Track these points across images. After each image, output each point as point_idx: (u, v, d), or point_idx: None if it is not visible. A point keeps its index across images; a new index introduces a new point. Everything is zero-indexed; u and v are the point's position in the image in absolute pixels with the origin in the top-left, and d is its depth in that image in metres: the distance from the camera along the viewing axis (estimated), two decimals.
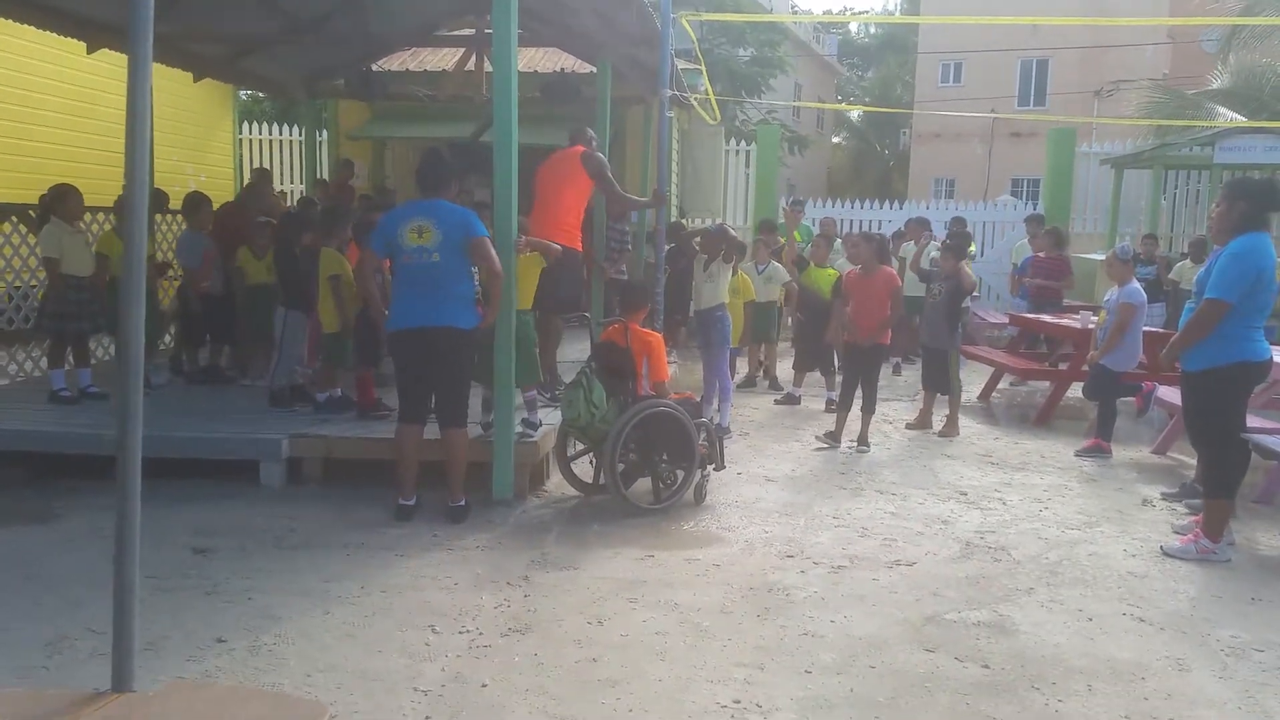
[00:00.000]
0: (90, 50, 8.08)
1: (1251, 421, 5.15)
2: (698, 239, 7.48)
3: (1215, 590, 4.30)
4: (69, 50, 8.49)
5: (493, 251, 4.87)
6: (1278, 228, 7.51)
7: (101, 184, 7.48)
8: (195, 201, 7.30)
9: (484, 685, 3.24)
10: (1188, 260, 10.45)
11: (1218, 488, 4.71)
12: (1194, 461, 5.84)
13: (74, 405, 6.16)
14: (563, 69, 10.66)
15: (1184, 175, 15.13)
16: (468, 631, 3.65)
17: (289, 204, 10.88)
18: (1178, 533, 4.99)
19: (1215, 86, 16.09)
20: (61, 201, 6.24)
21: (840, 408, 7.02)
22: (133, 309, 2.71)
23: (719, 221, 13.44)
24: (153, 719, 2.71)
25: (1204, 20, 15.51)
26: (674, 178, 12.31)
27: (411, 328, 4.85)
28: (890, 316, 6.90)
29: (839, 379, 7.15)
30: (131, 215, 2.73)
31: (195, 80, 9.70)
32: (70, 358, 6.42)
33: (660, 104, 7.47)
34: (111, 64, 8.72)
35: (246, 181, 7.30)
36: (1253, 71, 15.47)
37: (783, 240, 9.52)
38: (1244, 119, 13.82)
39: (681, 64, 9.97)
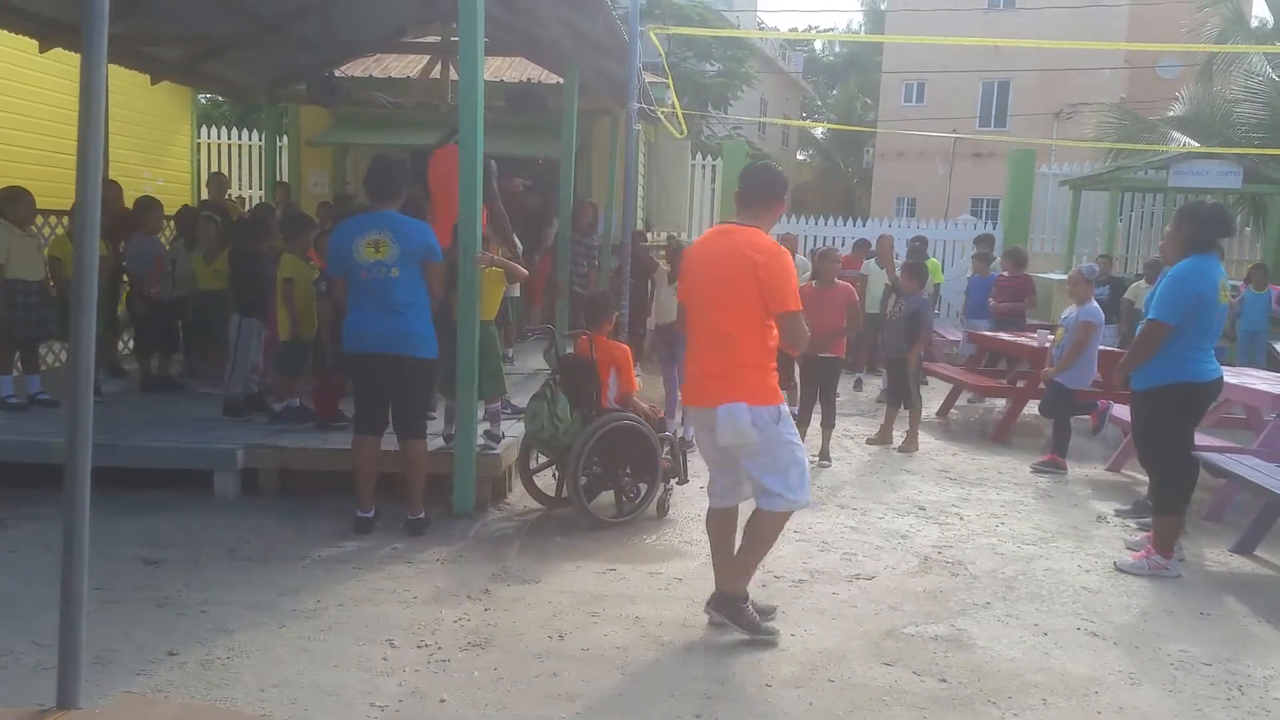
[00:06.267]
0: (43, 49, 7.91)
1: (1201, 440, 5.26)
2: (662, 252, 7.50)
3: (1166, 605, 4.37)
4: (15, 48, 8.31)
5: (442, 281, 4.89)
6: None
7: (45, 185, 7.32)
8: (146, 205, 7.19)
9: (442, 700, 3.20)
10: (1143, 281, 10.67)
11: (1166, 504, 4.81)
12: (1147, 478, 5.95)
13: (22, 412, 6.01)
14: (529, 79, 10.65)
15: (1140, 197, 15.48)
16: (426, 646, 3.61)
17: (244, 210, 10.75)
18: (1130, 549, 5.08)
19: (1171, 114, 16.49)
20: (12, 204, 6.08)
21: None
22: (83, 315, 2.65)
23: (684, 235, 13.49)
24: None
25: (1161, 46, 15.93)
26: (640, 191, 12.35)
27: (371, 353, 4.73)
28: (844, 328, 6.94)
29: (799, 393, 7.21)
30: (83, 219, 2.66)
31: (153, 83, 9.57)
32: (19, 364, 6.27)
33: (627, 116, 7.47)
34: (61, 63, 8.54)
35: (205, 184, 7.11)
36: (1205, 99, 15.89)
37: None
38: (1197, 145, 14.16)
39: (649, 77, 10.01)
